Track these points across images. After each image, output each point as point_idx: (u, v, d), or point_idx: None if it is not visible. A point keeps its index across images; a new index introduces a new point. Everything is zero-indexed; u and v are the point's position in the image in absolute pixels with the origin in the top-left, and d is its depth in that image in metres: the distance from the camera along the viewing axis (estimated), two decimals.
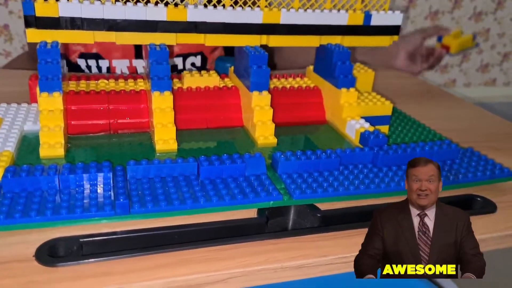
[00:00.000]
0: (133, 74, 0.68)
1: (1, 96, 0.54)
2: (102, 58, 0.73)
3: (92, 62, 0.73)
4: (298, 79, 0.57)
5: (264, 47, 0.49)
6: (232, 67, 0.54)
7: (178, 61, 0.76)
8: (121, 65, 0.73)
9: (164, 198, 0.35)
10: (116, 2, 0.43)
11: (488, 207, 0.40)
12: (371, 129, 0.47)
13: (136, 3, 0.44)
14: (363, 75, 0.56)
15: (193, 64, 0.78)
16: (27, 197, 0.34)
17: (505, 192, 0.42)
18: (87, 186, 0.36)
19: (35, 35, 0.42)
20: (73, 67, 0.74)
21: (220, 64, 0.60)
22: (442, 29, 0.79)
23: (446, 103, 0.67)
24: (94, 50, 0.72)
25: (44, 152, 0.40)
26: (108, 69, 0.74)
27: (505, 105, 1.47)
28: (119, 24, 0.44)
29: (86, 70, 0.75)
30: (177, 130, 0.44)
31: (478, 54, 1.45)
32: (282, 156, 0.41)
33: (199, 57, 0.78)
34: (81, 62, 0.73)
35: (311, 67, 0.57)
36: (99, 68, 0.74)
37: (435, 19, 1.30)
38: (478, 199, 0.41)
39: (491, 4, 1.39)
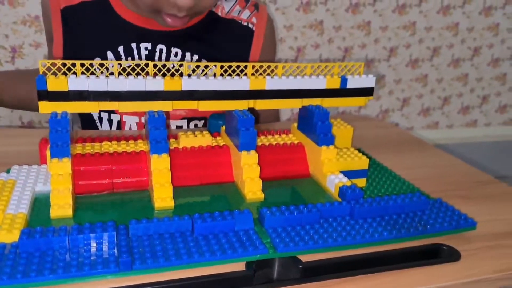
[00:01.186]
0: (140, 130, 0.72)
1: (12, 156, 0.59)
2: (114, 112, 0.77)
3: (104, 115, 0.77)
4: (283, 135, 0.63)
5: (251, 109, 0.55)
6: (223, 127, 0.60)
7: (183, 123, 0.81)
8: (130, 121, 0.77)
9: (162, 254, 0.39)
10: (119, 76, 0.49)
11: (453, 256, 0.44)
12: (349, 183, 0.52)
13: (136, 75, 0.50)
14: (343, 131, 0.62)
15: (196, 125, 0.83)
16: (41, 256, 0.38)
17: (469, 241, 0.47)
18: (93, 244, 0.40)
19: (47, 107, 0.48)
20: (86, 115, 0.77)
21: (213, 122, 0.65)
22: None
23: (420, 152, 0.73)
24: None
25: (55, 212, 0.44)
26: (119, 123, 0.77)
27: (486, 145, 1.54)
28: (122, 95, 0.49)
29: (97, 122, 0.78)
30: (173, 187, 0.49)
31: (458, 97, 1.53)
32: (268, 212, 0.45)
33: (202, 121, 0.82)
34: (94, 113, 0.76)
35: (295, 125, 0.62)
36: (110, 121, 0.76)
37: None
38: (444, 248, 0.45)
39: (468, 51, 1.48)
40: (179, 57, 0.76)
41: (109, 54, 0.76)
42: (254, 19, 0.82)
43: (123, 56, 0.76)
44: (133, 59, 0.76)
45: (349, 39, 1.35)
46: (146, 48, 0.76)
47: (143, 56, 0.76)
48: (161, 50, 0.76)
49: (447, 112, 1.55)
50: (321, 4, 1.29)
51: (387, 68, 1.43)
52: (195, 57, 0.77)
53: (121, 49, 0.75)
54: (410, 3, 1.36)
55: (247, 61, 0.82)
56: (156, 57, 0.76)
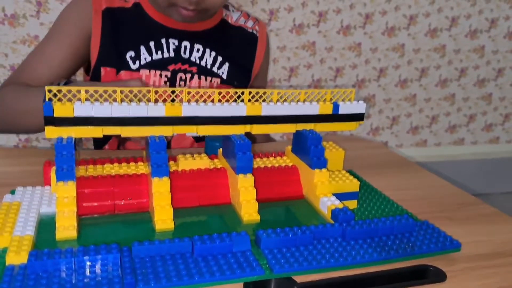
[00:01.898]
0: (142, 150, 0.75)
1: (15, 176, 0.61)
2: None
3: None
4: (278, 158, 0.65)
5: (248, 133, 0.58)
6: (221, 150, 0.62)
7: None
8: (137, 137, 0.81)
9: (164, 275, 0.41)
10: (122, 103, 0.51)
11: (439, 276, 0.47)
12: (341, 206, 0.54)
13: (139, 101, 0.52)
14: (335, 154, 0.65)
15: None
16: (48, 277, 0.40)
17: (455, 262, 0.50)
18: (98, 266, 0.42)
19: (53, 132, 0.50)
20: None
21: (210, 143, 0.68)
22: None
23: (408, 173, 0.76)
24: None
25: (60, 234, 0.46)
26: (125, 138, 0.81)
27: (473, 162, 1.59)
28: (125, 120, 0.52)
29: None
30: (173, 208, 0.51)
31: (445, 116, 1.58)
32: (264, 233, 0.48)
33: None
34: None
35: (290, 147, 0.65)
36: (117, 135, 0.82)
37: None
38: (431, 268, 0.48)
39: (455, 72, 1.53)
40: (200, 52, 0.89)
41: (142, 48, 0.85)
42: (257, 27, 0.98)
43: (153, 50, 0.86)
44: (162, 52, 0.87)
45: (340, 60, 1.39)
46: (173, 43, 0.87)
47: (171, 50, 0.87)
48: (185, 46, 0.88)
49: (435, 130, 1.59)
50: (313, 26, 1.33)
51: (377, 87, 1.47)
52: (213, 53, 0.90)
53: (152, 44, 0.86)
54: (399, 26, 1.41)
55: (253, 61, 0.97)
56: (182, 51, 0.88)
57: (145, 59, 0.85)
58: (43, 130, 0.50)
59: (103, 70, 0.84)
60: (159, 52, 0.86)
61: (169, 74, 0.87)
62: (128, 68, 0.84)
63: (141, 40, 0.86)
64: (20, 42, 1.12)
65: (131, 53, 0.85)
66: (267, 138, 1.03)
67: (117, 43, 0.85)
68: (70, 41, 0.84)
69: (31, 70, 0.83)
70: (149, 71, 0.85)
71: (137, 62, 0.85)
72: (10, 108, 0.78)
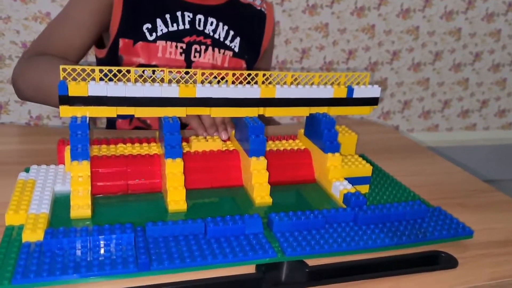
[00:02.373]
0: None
1: (29, 154, 0.61)
2: None
3: None
4: (290, 141, 0.65)
5: (261, 115, 0.57)
6: (233, 132, 0.62)
7: None
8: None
9: (178, 256, 0.42)
10: (136, 83, 0.51)
11: (451, 262, 0.47)
12: (353, 190, 0.54)
13: (152, 82, 0.52)
14: (348, 138, 0.64)
15: None
16: (64, 255, 0.40)
17: (467, 249, 0.50)
18: (113, 245, 0.42)
19: (68, 111, 0.50)
20: None
21: None
22: None
23: (421, 158, 0.75)
24: None
25: (75, 213, 0.47)
26: None
27: (485, 148, 1.57)
28: (139, 101, 0.52)
29: None
30: (186, 189, 0.51)
31: (458, 100, 1.56)
32: (276, 216, 0.48)
33: None
34: None
35: (302, 131, 0.64)
36: None
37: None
38: (443, 255, 0.48)
39: (469, 56, 1.51)
40: (214, 25, 0.90)
41: (158, 21, 0.86)
42: (264, 5, 1.00)
43: (169, 22, 0.87)
44: (178, 25, 0.88)
45: (353, 42, 1.37)
46: (188, 16, 0.89)
47: (186, 22, 0.88)
48: (199, 19, 0.89)
49: (447, 115, 1.57)
50: (327, 7, 1.31)
51: (390, 71, 1.45)
52: (226, 27, 0.92)
53: (167, 16, 0.87)
54: (414, 8, 1.38)
55: (262, 37, 0.98)
56: (196, 24, 0.89)
57: (162, 30, 0.86)
58: None
59: (121, 42, 0.84)
60: (175, 25, 0.87)
61: (184, 45, 0.87)
62: (145, 39, 0.84)
63: (157, 13, 0.86)
64: (31, 18, 1.12)
65: (148, 25, 0.85)
66: (272, 122, 1.03)
67: (136, 14, 0.85)
68: (96, 7, 0.83)
69: (60, 36, 0.82)
70: (165, 42, 0.86)
71: (154, 33, 0.85)
72: (47, 80, 0.75)
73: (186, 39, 0.87)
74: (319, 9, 1.31)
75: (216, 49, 0.90)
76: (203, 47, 0.89)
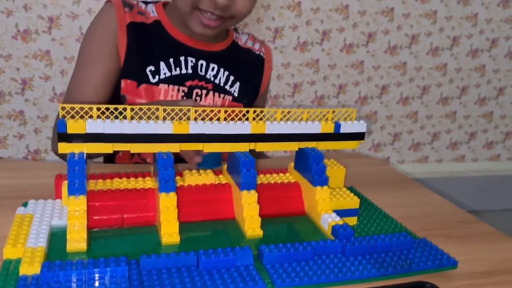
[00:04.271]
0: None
1: (28, 189, 0.63)
2: None
3: None
4: (281, 174, 0.67)
5: (252, 150, 0.60)
6: (225, 166, 0.64)
7: None
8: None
9: None
10: (132, 120, 0.54)
11: None
12: (341, 222, 0.56)
13: (148, 119, 0.55)
14: (336, 171, 0.67)
15: None
16: None
17: (451, 279, 0.51)
18: (107, 278, 0.44)
19: (66, 147, 0.52)
20: None
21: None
22: None
23: (408, 190, 0.77)
24: None
25: (71, 246, 0.48)
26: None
27: (474, 179, 1.60)
28: (134, 137, 0.54)
29: None
30: (179, 222, 0.53)
31: (447, 133, 1.60)
32: (266, 248, 0.49)
33: None
34: None
35: (292, 164, 0.67)
36: None
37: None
38: (428, 285, 0.49)
39: (456, 90, 1.56)
40: (215, 71, 0.94)
41: (162, 64, 0.89)
42: (263, 50, 1.03)
43: (172, 66, 0.90)
44: (180, 69, 0.90)
45: (343, 77, 1.42)
46: (191, 61, 0.91)
47: (189, 67, 0.91)
48: (202, 64, 0.92)
49: (436, 147, 1.61)
50: (317, 44, 1.36)
51: (379, 104, 1.49)
52: (226, 72, 0.95)
53: (171, 60, 0.89)
54: (401, 45, 1.44)
55: (261, 80, 1.02)
56: (198, 69, 0.92)
57: (165, 74, 0.89)
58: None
59: (123, 82, 0.86)
60: (178, 69, 0.90)
61: (186, 89, 0.90)
62: (148, 81, 0.87)
63: (161, 56, 0.89)
64: (32, 56, 1.15)
65: (151, 67, 0.88)
66: (262, 155, 1.06)
67: (139, 57, 0.88)
68: (109, 64, 0.87)
69: (79, 96, 0.86)
70: (168, 86, 0.88)
71: (157, 76, 0.88)
72: None
73: (188, 83, 0.90)
74: (310, 46, 1.36)
75: (217, 94, 0.93)
76: (204, 92, 0.92)
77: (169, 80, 0.89)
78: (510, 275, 0.53)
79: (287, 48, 1.34)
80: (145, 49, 0.89)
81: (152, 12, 0.92)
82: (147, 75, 0.87)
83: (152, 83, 0.87)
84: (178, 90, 0.89)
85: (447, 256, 0.53)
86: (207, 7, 0.82)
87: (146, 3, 0.94)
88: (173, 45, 0.90)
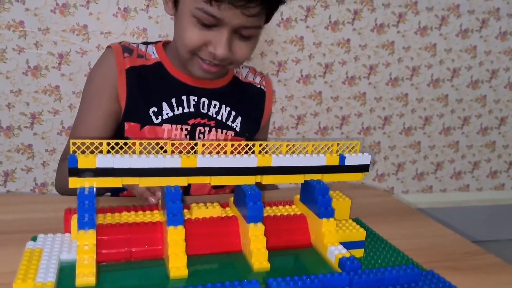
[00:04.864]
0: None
1: (36, 223, 0.64)
2: None
3: None
4: (287, 206, 0.68)
5: (258, 182, 0.61)
6: (232, 198, 0.65)
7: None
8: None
9: None
10: (141, 155, 0.55)
11: None
12: (348, 255, 0.56)
13: (156, 153, 0.56)
14: (341, 203, 0.67)
15: None
16: None
17: None
18: None
19: (76, 182, 0.53)
20: None
21: None
22: None
23: (414, 221, 0.78)
24: None
25: (80, 281, 0.48)
26: None
27: (478, 209, 1.59)
28: (143, 172, 0.55)
29: None
30: (187, 256, 0.53)
31: (450, 162, 1.60)
32: (274, 282, 0.50)
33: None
34: None
35: (298, 196, 0.67)
36: None
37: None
38: None
39: (458, 120, 1.57)
40: (217, 108, 0.95)
41: (164, 104, 0.90)
42: (264, 83, 1.05)
43: (175, 106, 0.91)
44: (183, 108, 0.92)
45: (346, 109, 1.44)
46: (193, 100, 0.93)
47: (191, 105, 0.92)
48: (204, 102, 0.94)
49: (440, 177, 1.61)
50: (320, 77, 1.39)
51: (382, 135, 1.51)
52: (228, 108, 0.96)
53: (173, 100, 0.91)
54: (402, 77, 1.47)
55: (263, 113, 1.03)
56: (201, 107, 0.93)
57: (167, 114, 0.90)
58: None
59: (126, 125, 0.88)
60: (180, 108, 0.92)
61: (189, 127, 0.91)
62: (151, 123, 0.89)
63: (163, 97, 0.91)
64: (41, 91, 1.18)
65: (153, 109, 0.90)
66: (272, 185, 1.06)
67: (141, 99, 0.90)
68: (107, 107, 0.89)
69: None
70: (171, 126, 0.90)
71: (160, 117, 0.90)
72: None
73: (191, 121, 0.92)
74: (313, 79, 1.38)
75: (219, 130, 0.95)
76: (207, 129, 0.94)
77: (172, 120, 0.90)
78: None
79: (290, 81, 1.37)
80: (147, 91, 0.90)
81: (153, 53, 0.94)
82: (150, 117, 0.89)
83: (155, 124, 0.89)
84: (182, 129, 0.91)
85: None
86: (207, 56, 0.84)
87: (147, 43, 0.97)
88: (174, 85, 0.92)
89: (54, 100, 1.19)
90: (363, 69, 1.42)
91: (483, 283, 0.58)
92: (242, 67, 1.05)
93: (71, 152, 0.54)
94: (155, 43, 0.97)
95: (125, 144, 0.56)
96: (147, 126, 0.88)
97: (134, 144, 0.55)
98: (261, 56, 1.33)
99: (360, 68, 1.42)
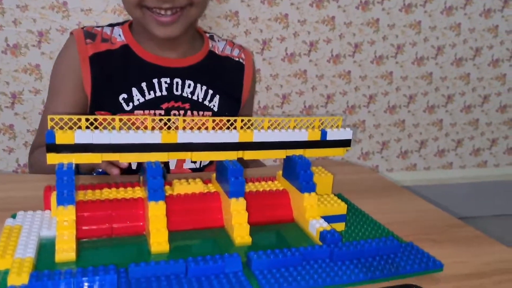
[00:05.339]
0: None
1: (18, 201, 0.63)
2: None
3: None
4: (269, 182, 0.68)
5: (240, 158, 0.60)
6: (214, 174, 0.65)
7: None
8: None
9: None
10: (121, 130, 0.54)
11: None
12: (328, 228, 0.57)
13: (136, 129, 0.55)
14: (324, 178, 0.68)
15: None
16: None
17: (437, 281, 0.52)
18: (96, 287, 0.44)
19: (55, 158, 0.52)
20: None
21: None
22: None
23: (396, 197, 0.78)
24: None
25: (59, 256, 0.48)
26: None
27: (462, 186, 1.62)
28: (123, 147, 0.54)
29: None
30: (168, 231, 0.53)
31: (434, 140, 1.62)
32: (255, 255, 0.50)
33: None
34: None
35: (280, 172, 0.68)
36: None
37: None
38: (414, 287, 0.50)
39: (442, 98, 1.58)
40: (191, 87, 0.91)
41: (134, 90, 0.87)
42: (243, 55, 1.00)
43: (146, 90, 0.87)
44: (155, 92, 0.88)
45: (331, 87, 1.44)
46: (166, 82, 0.89)
47: (163, 88, 0.88)
48: (177, 82, 0.90)
49: (424, 155, 1.63)
50: (305, 55, 1.38)
51: (367, 113, 1.51)
52: (204, 87, 0.92)
53: (144, 84, 0.87)
54: (387, 55, 1.47)
55: (242, 89, 0.98)
56: (174, 89, 0.89)
57: (138, 100, 0.87)
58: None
59: (98, 115, 0.86)
60: (152, 92, 0.88)
61: (162, 112, 0.88)
62: (122, 110, 0.86)
63: (132, 82, 0.87)
64: (21, 71, 1.16)
65: (123, 95, 0.86)
66: (259, 163, 1.05)
67: (109, 86, 0.86)
68: (73, 98, 0.87)
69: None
70: (143, 112, 0.87)
71: (131, 104, 0.86)
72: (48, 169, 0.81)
73: (164, 106, 0.88)
74: (297, 57, 1.38)
75: (195, 112, 0.91)
76: (182, 112, 0.90)
77: (144, 106, 0.87)
78: (494, 277, 0.54)
79: (275, 59, 1.36)
80: (114, 78, 0.86)
81: (119, 36, 0.90)
82: (121, 104, 0.86)
83: (126, 111, 0.86)
84: (155, 114, 0.88)
85: (433, 259, 0.54)
86: (154, 3, 0.80)
87: (112, 25, 0.92)
88: (144, 68, 0.88)
89: (34, 79, 1.17)
90: (348, 47, 1.42)
91: (462, 254, 0.59)
92: (219, 40, 1.00)
93: (48, 128, 0.53)
94: (122, 24, 0.93)
95: (104, 120, 0.55)
96: (118, 114, 0.86)
97: (113, 120, 0.55)
98: (246, 34, 1.32)
99: (345, 46, 1.41)
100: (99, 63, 0.87)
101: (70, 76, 0.87)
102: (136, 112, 0.86)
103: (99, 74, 0.86)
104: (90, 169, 0.81)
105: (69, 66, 0.88)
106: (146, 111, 0.87)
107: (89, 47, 0.87)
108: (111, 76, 0.87)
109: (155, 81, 0.88)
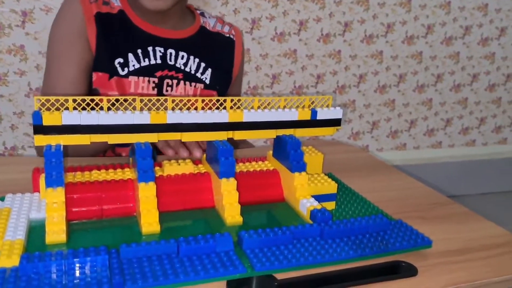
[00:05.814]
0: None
1: (6, 184, 0.62)
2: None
3: None
4: (260, 162, 0.68)
5: (230, 138, 0.60)
6: (205, 155, 0.64)
7: None
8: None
9: (151, 275, 0.44)
10: (109, 111, 0.54)
11: (411, 271, 0.50)
12: (319, 207, 0.57)
13: (125, 110, 0.55)
14: (314, 158, 0.68)
15: None
16: (40, 279, 0.42)
17: (426, 258, 0.53)
18: (87, 267, 0.44)
19: (42, 140, 0.52)
20: None
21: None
22: None
23: (385, 175, 0.79)
24: None
25: (50, 238, 0.48)
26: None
27: (450, 164, 1.64)
28: (111, 128, 0.54)
29: None
30: (159, 212, 0.53)
31: (423, 120, 1.63)
32: (246, 234, 0.50)
33: None
34: None
35: (271, 152, 0.67)
36: None
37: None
38: (403, 264, 0.51)
39: (431, 78, 1.58)
40: (184, 59, 0.93)
41: (130, 55, 0.87)
42: (233, 32, 1.02)
43: (141, 57, 0.88)
44: (149, 60, 0.89)
45: (321, 67, 1.43)
46: (160, 51, 0.90)
47: (157, 57, 0.90)
48: (170, 53, 0.91)
49: (413, 134, 1.64)
50: (294, 34, 1.37)
51: (357, 93, 1.51)
52: (196, 60, 0.94)
53: (139, 51, 0.88)
54: (377, 34, 1.46)
55: (233, 64, 1.01)
56: (167, 58, 0.91)
57: (134, 66, 0.88)
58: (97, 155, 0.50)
59: (94, 75, 0.85)
60: (146, 60, 0.89)
61: (156, 80, 0.89)
62: (117, 74, 0.86)
63: (129, 47, 0.88)
64: (6, 51, 1.13)
65: (119, 60, 0.87)
66: (247, 143, 1.06)
67: (107, 48, 0.86)
68: (81, 57, 0.85)
69: (56, 91, 0.84)
70: (138, 78, 0.87)
71: (126, 69, 0.87)
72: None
73: (158, 74, 0.89)
74: (287, 36, 1.36)
75: (188, 83, 0.93)
76: (174, 81, 0.91)
77: (139, 72, 0.88)
78: (481, 252, 0.55)
79: (265, 39, 1.35)
80: (113, 41, 0.87)
81: (116, 1, 0.90)
82: (116, 68, 0.86)
83: (121, 76, 0.86)
84: (149, 81, 0.89)
85: (422, 236, 0.55)
86: None
87: None
88: (139, 35, 0.89)
89: (19, 60, 1.15)
90: (338, 26, 1.40)
91: (449, 231, 0.60)
92: (209, 17, 1.02)
93: (35, 109, 0.52)
94: None
95: (92, 100, 0.54)
96: (114, 77, 0.85)
97: (101, 100, 0.54)
98: (235, 13, 1.30)
99: (335, 25, 1.40)
100: (102, 23, 0.86)
101: (76, 34, 0.86)
102: (130, 77, 0.86)
103: (101, 35, 0.86)
104: (94, 151, 0.80)
105: (75, 24, 0.86)
106: (141, 78, 0.88)
107: (93, 6, 0.87)
108: (110, 39, 0.87)
109: (149, 49, 0.89)
